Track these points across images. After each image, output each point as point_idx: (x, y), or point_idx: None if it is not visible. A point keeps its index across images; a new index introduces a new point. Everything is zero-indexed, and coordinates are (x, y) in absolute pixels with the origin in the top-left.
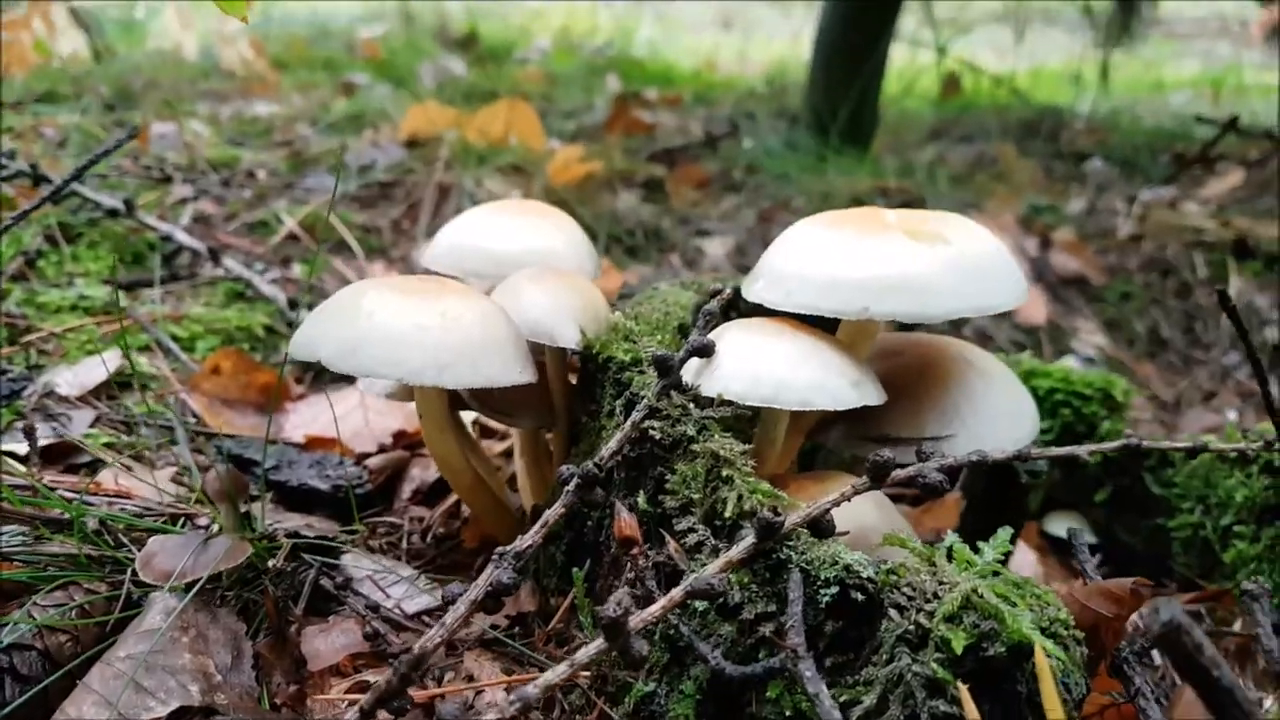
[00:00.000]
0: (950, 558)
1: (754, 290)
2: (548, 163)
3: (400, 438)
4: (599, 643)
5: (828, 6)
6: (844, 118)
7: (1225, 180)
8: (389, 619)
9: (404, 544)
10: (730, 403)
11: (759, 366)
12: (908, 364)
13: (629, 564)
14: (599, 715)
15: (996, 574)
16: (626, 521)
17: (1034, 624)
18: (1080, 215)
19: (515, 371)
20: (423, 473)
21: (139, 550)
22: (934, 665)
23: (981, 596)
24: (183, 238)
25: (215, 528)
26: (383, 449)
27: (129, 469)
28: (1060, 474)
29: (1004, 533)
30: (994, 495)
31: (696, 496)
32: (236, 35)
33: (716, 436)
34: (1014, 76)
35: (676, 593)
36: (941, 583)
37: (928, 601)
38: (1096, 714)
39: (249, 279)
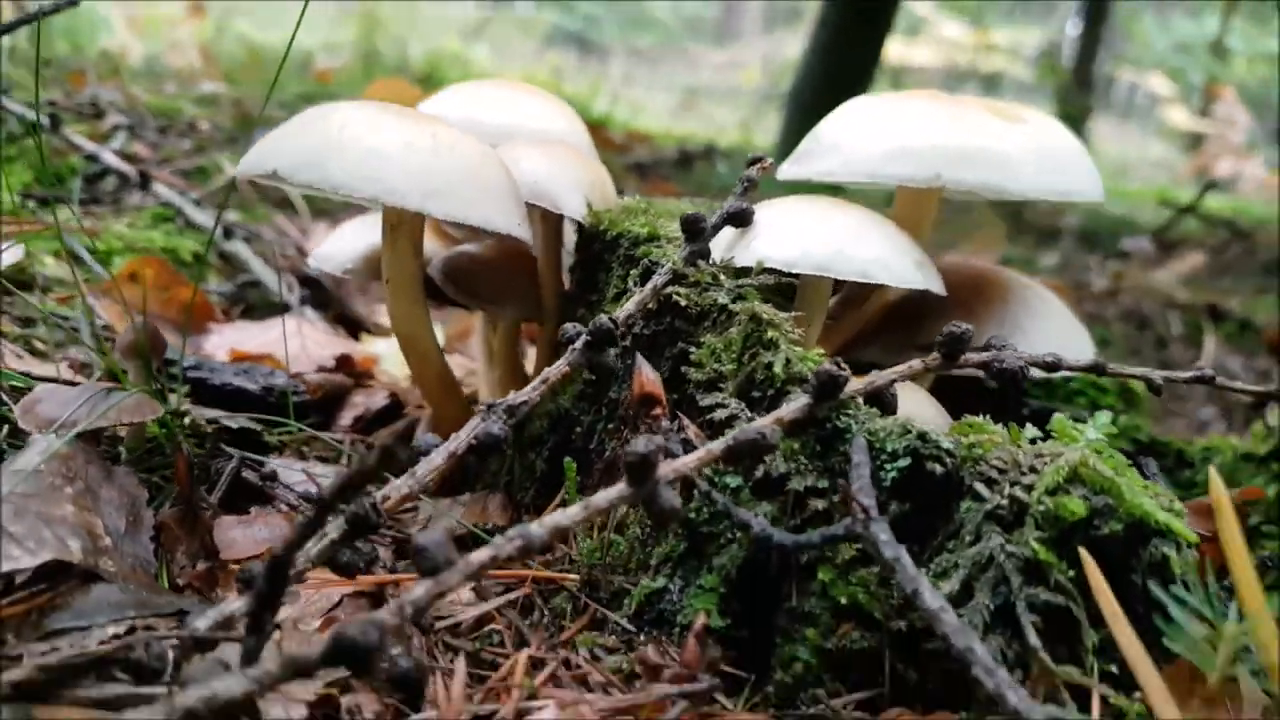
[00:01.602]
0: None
1: (808, 167)
2: None
3: (344, 362)
4: (620, 487)
5: (809, 51)
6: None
7: (1188, 261)
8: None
9: (343, 459)
10: (771, 271)
11: (811, 235)
12: (963, 281)
13: (647, 428)
14: (590, 620)
15: (1100, 453)
16: (648, 378)
17: (1150, 501)
18: (1054, 268)
19: (514, 220)
20: (367, 399)
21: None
22: (1034, 545)
23: (1092, 468)
24: (110, 159)
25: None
26: (323, 370)
27: (23, 356)
28: None
29: (1103, 415)
30: None
31: (729, 368)
32: (187, 44)
33: (755, 303)
34: None
35: (716, 445)
36: (1040, 455)
37: (1024, 474)
38: None
39: (180, 205)
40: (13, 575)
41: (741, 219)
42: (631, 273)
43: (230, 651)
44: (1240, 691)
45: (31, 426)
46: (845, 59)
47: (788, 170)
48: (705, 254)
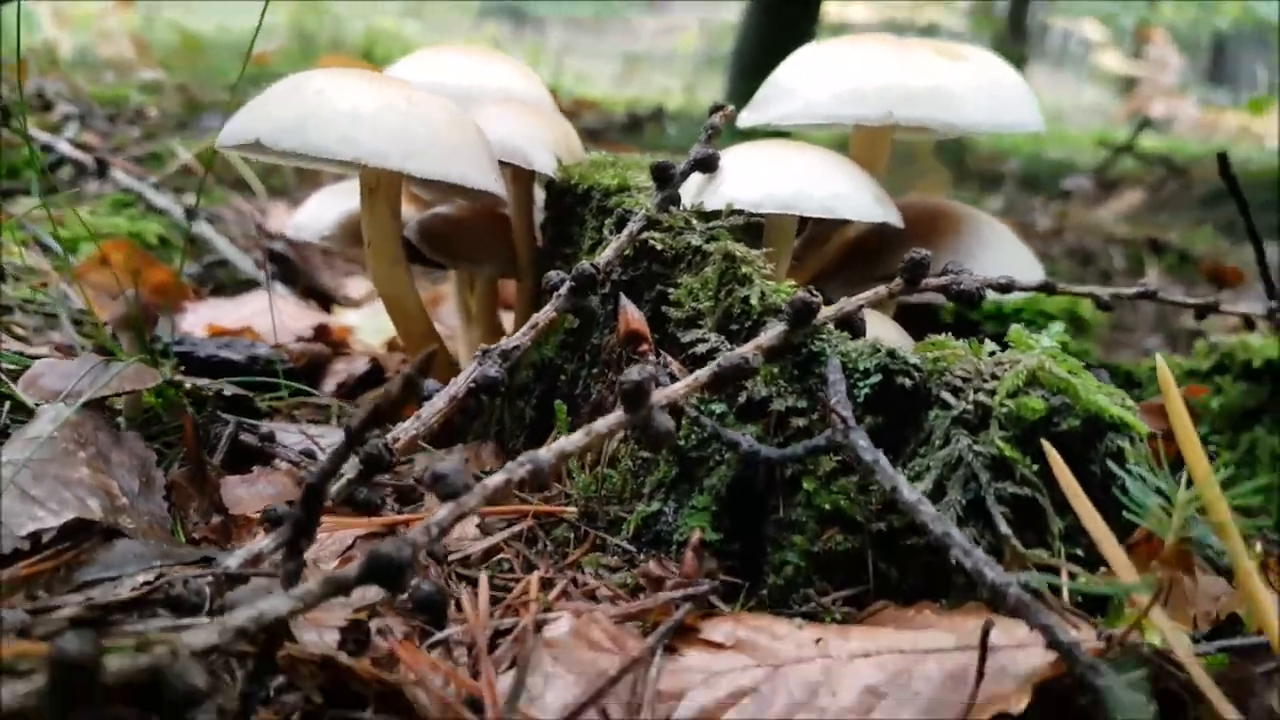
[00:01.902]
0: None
1: (766, 111)
2: None
3: (322, 332)
4: (618, 414)
5: (748, 16)
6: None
7: (1126, 198)
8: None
9: (333, 422)
10: (739, 213)
11: (774, 177)
12: (918, 215)
13: (635, 363)
14: (591, 545)
15: (1055, 358)
16: (633, 316)
17: (1106, 400)
18: (999, 211)
19: (490, 177)
20: (348, 366)
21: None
22: (999, 444)
23: (1049, 371)
24: (65, 148)
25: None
26: (302, 340)
27: (4, 340)
28: None
29: (1056, 325)
30: None
31: (707, 304)
32: (117, 34)
33: (726, 243)
34: None
35: (703, 373)
36: (1000, 363)
37: (986, 381)
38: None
39: (140, 191)
40: (39, 535)
41: (708, 165)
42: (606, 222)
43: (259, 585)
44: (1190, 558)
45: (37, 398)
46: (785, 17)
47: (747, 118)
48: (676, 200)
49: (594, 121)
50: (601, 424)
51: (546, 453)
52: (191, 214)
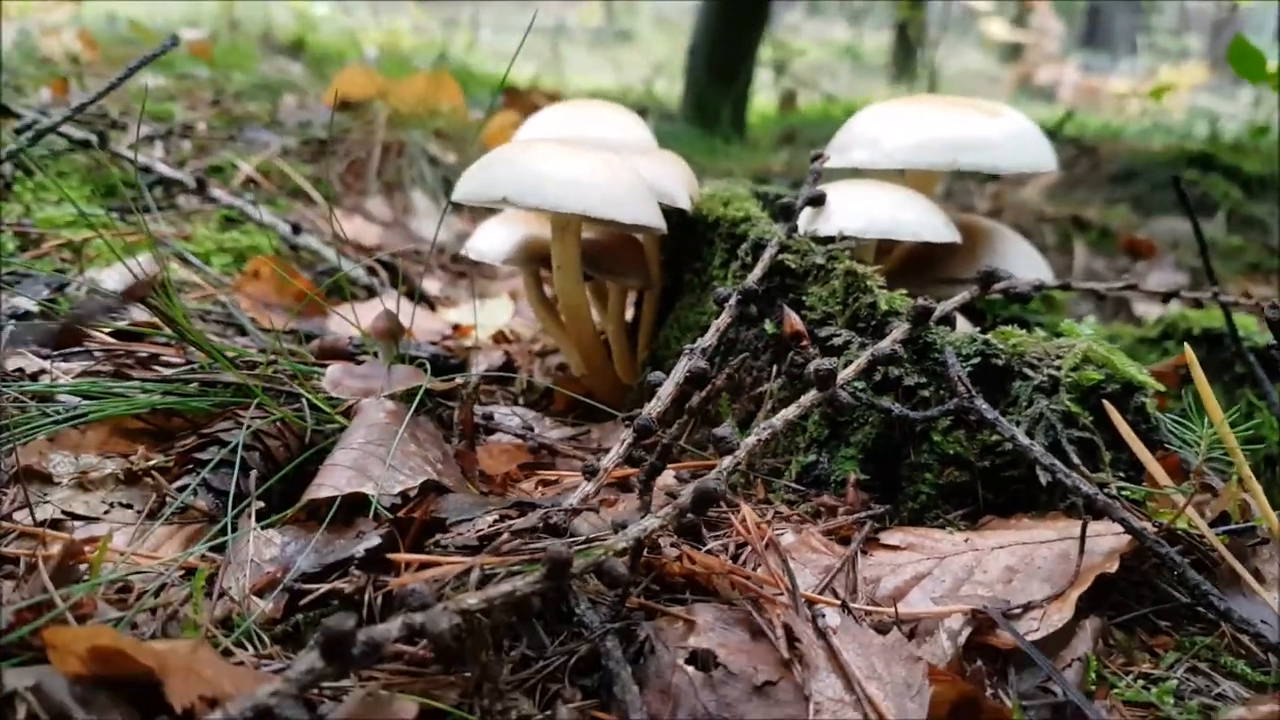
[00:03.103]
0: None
1: (850, 155)
2: (475, 130)
3: (459, 330)
4: (813, 393)
5: (701, 19)
6: (729, 111)
7: (1044, 179)
8: (541, 442)
9: (519, 402)
10: (848, 238)
11: (873, 209)
12: (959, 229)
13: (803, 355)
14: (764, 486)
15: (1096, 342)
16: (794, 319)
17: (1138, 373)
18: (941, 196)
19: (660, 218)
20: (487, 357)
21: (297, 383)
22: (1067, 402)
23: (1095, 351)
24: (163, 169)
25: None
26: (445, 338)
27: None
28: None
29: (1090, 319)
30: None
31: (837, 308)
32: (61, 26)
33: (846, 261)
34: (841, 100)
35: (861, 360)
36: (1060, 347)
37: (1054, 360)
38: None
39: (243, 207)
40: (406, 491)
41: (818, 201)
42: (741, 247)
43: (591, 518)
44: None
45: (345, 395)
46: (738, 17)
47: (836, 160)
48: (795, 228)
49: None
50: (806, 399)
51: (777, 420)
52: (298, 228)
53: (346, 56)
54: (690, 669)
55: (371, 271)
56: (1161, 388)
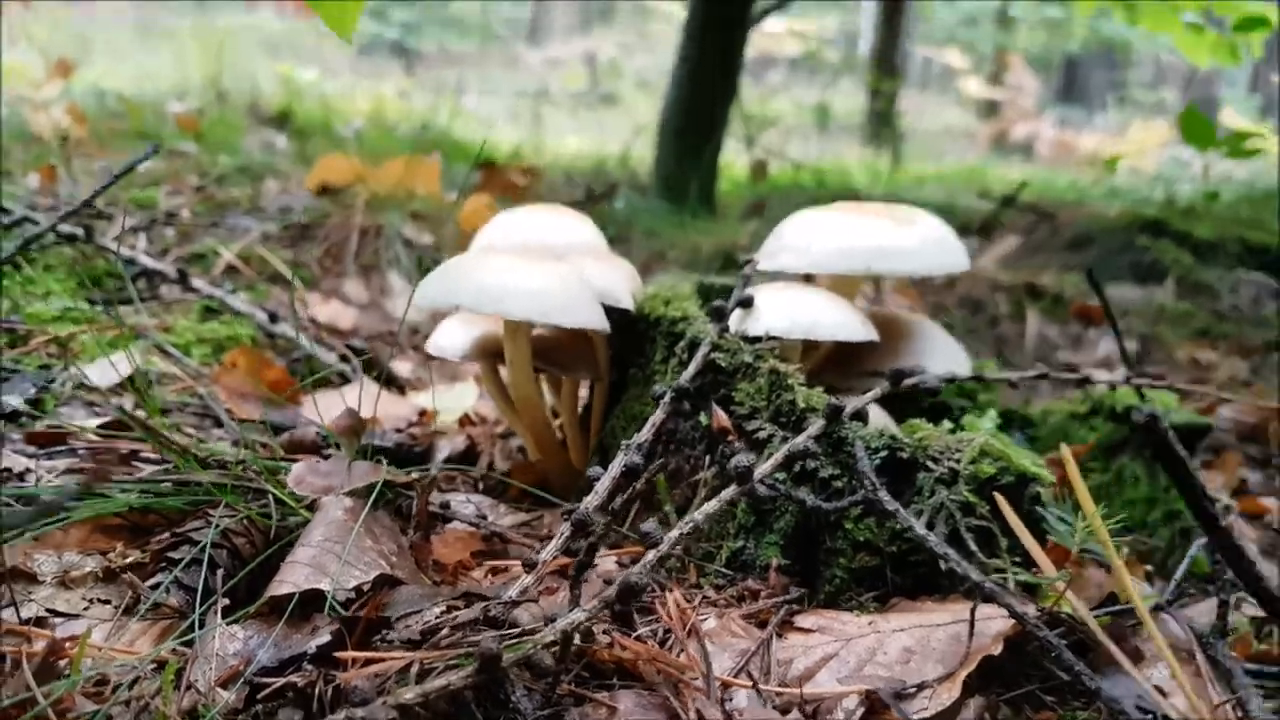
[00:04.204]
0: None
1: (779, 260)
2: (450, 210)
3: (425, 415)
4: (733, 488)
5: (671, 94)
6: (696, 186)
7: (1003, 245)
8: (493, 530)
9: (460, 489)
10: (774, 338)
11: (795, 311)
12: (878, 324)
13: (729, 449)
14: (697, 571)
15: (994, 437)
16: (720, 416)
17: (1030, 464)
18: None
19: (604, 321)
20: (450, 443)
21: (264, 480)
22: (965, 493)
23: (992, 445)
24: (147, 261)
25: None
26: (411, 424)
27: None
28: None
29: (991, 413)
30: None
31: (762, 404)
32: (50, 102)
33: (770, 360)
34: (811, 166)
35: (779, 455)
36: (961, 441)
37: (954, 454)
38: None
39: (222, 297)
40: (360, 586)
41: (747, 304)
42: (679, 345)
43: (531, 609)
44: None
45: (308, 492)
46: (706, 88)
47: (765, 264)
48: (726, 328)
49: (547, 194)
50: (727, 494)
51: (699, 514)
52: (274, 317)
53: (332, 126)
54: None
55: (344, 358)
56: (1053, 480)
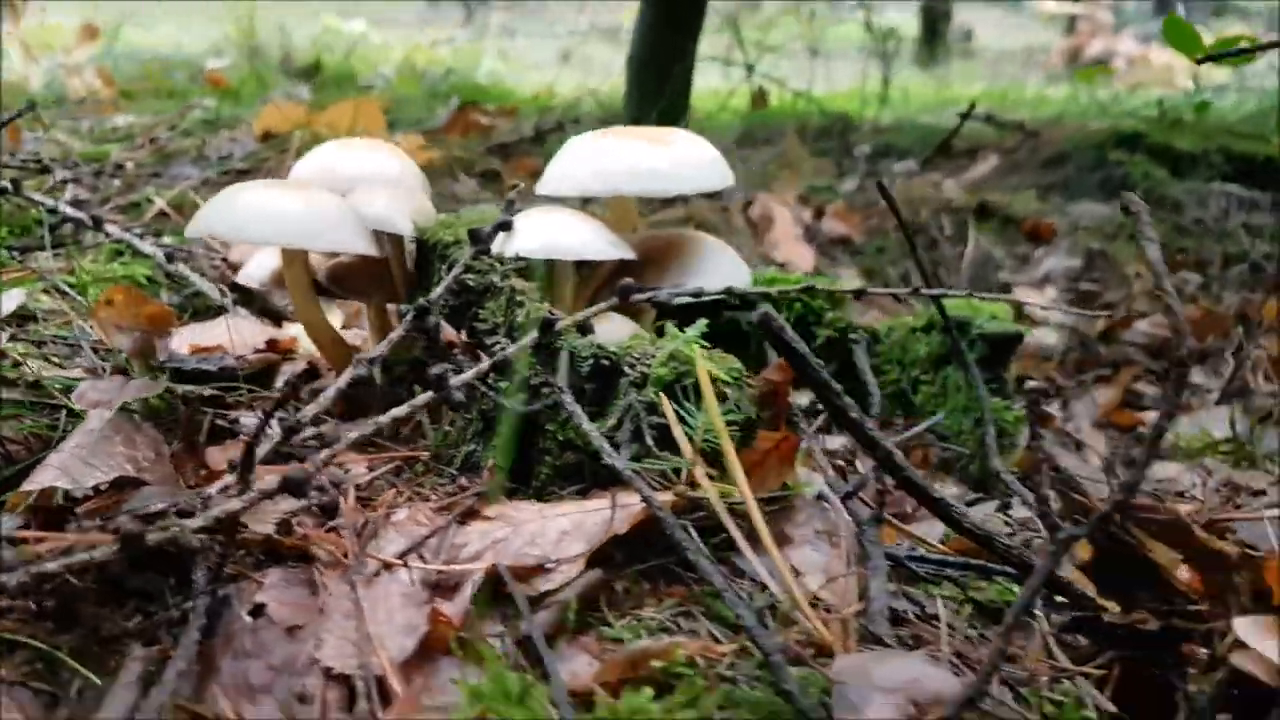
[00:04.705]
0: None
1: (549, 186)
2: None
3: (272, 344)
4: (428, 394)
5: (638, 27)
6: (660, 118)
7: (983, 165)
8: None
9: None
10: (524, 260)
11: (543, 233)
12: (661, 244)
13: (450, 359)
14: (435, 473)
15: (695, 344)
16: (449, 330)
17: (717, 368)
18: (851, 192)
19: (362, 244)
20: (291, 368)
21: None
22: (652, 394)
23: (681, 351)
24: (67, 209)
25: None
26: (259, 351)
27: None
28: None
29: (699, 324)
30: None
31: (501, 320)
32: (83, 65)
33: (515, 280)
34: (810, 92)
35: (484, 365)
36: (657, 347)
37: (649, 359)
38: (771, 448)
39: (129, 241)
40: (98, 486)
41: (506, 227)
42: (442, 267)
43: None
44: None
45: (85, 406)
46: (672, 19)
47: (540, 189)
48: (487, 251)
49: (508, 135)
50: (419, 400)
51: (384, 417)
52: (171, 257)
53: (361, 76)
54: (249, 619)
55: (223, 293)
56: (731, 380)
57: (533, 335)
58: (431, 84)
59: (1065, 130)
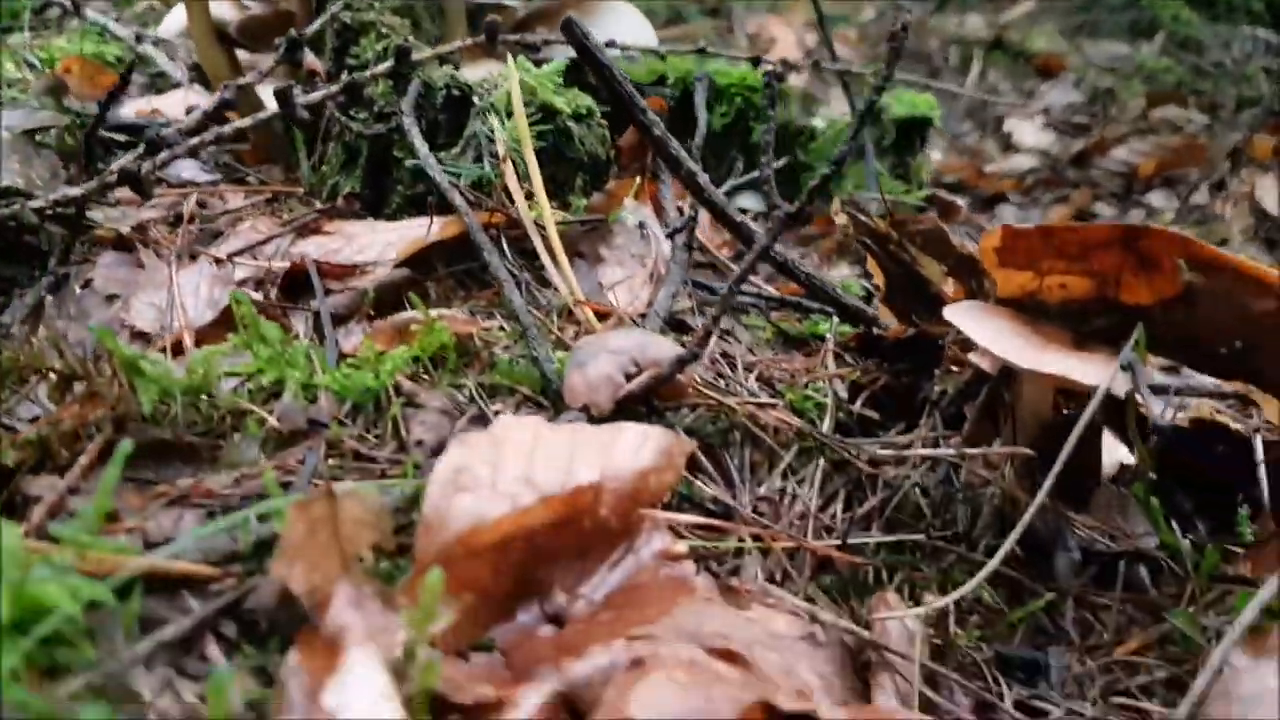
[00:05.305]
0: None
1: None
2: None
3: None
4: (275, 108)
5: None
6: None
7: (1022, 5)
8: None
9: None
10: None
11: None
12: (573, 3)
13: (314, 85)
14: (304, 203)
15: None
16: (312, 60)
17: (564, 103)
18: (868, 22)
19: None
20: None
21: None
22: (494, 123)
23: (526, 83)
24: None
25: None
26: (190, 110)
27: None
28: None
29: (558, 62)
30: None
31: (374, 53)
32: None
33: (388, 15)
34: None
35: (335, 88)
36: (505, 77)
37: (496, 89)
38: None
39: (104, 24)
40: None
41: None
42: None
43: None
44: None
45: None
46: None
47: None
48: None
49: None
50: (262, 115)
51: (227, 127)
52: (140, 38)
53: None
54: (78, 289)
55: (183, 72)
56: (577, 116)
57: (388, 63)
58: None
59: None
